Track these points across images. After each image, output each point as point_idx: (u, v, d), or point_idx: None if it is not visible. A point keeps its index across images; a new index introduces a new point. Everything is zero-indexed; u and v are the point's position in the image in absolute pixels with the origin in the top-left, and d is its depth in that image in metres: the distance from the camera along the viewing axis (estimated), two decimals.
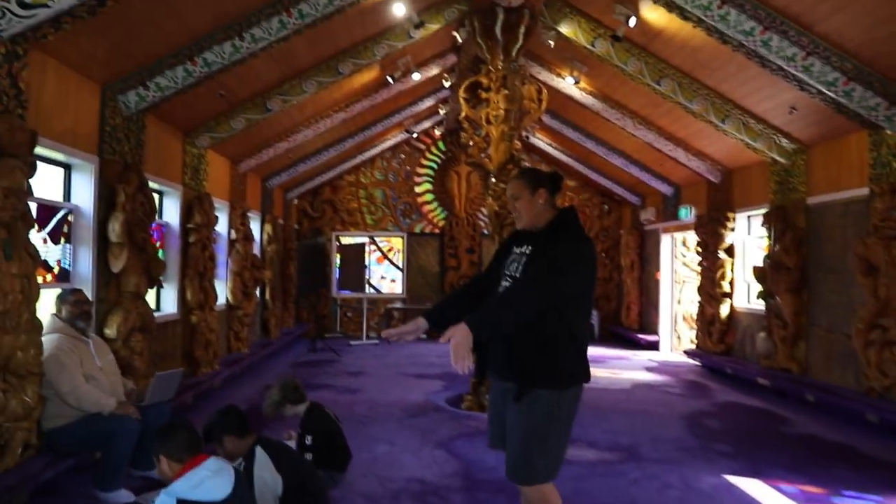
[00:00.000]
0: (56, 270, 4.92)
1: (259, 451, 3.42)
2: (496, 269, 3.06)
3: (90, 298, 5.08)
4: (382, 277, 13.47)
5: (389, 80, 8.22)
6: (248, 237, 9.32)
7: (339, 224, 13.46)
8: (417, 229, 13.51)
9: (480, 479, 4.70)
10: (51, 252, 4.85)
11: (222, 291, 8.77)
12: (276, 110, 7.28)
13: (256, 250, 10.50)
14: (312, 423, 4.42)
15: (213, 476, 2.65)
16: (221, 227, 8.81)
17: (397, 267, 13.56)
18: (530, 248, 2.87)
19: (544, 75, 8.87)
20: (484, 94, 7.14)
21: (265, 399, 4.51)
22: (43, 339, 4.17)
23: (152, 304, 6.84)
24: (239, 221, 9.03)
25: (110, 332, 5.18)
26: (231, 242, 8.94)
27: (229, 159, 8.71)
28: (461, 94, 7.26)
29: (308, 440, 4.34)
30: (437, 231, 13.62)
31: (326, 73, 7.16)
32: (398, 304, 13.18)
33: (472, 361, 2.58)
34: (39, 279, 4.66)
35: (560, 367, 2.77)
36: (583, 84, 8.66)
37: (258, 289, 10.23)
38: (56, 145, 4.62)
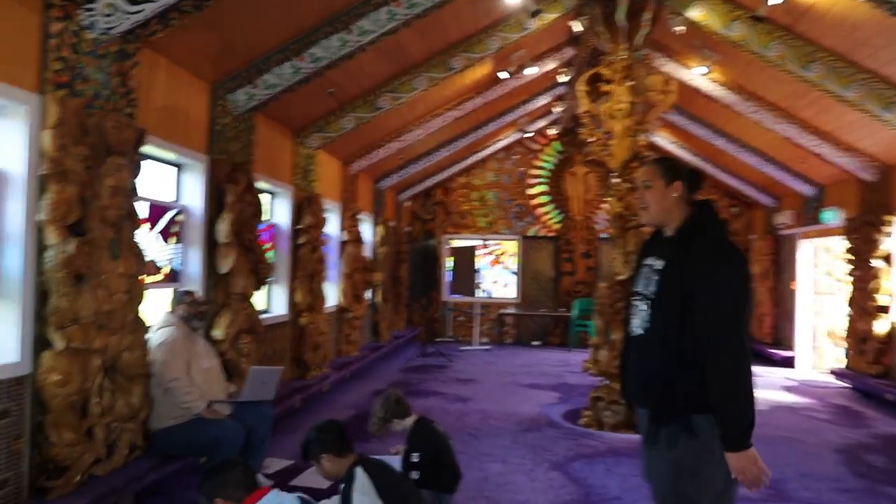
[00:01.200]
0: (166, 271, 4.89)
1: (359, 472, 3.10)
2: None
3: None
4: (495, 282, 13.04)
5: (503, 75, 7.81)
6: (359, 239, 9.23)
7: (450, 227, 13.21)
8: (531, 232, 13.00)
9: None
10: (161, 252, 4.83)
11: (333, 294, 8.71)
12: (386, 108, 7.06)
13: (368, 252, 10.44)
14: (419, 440, 4.08)
15: None
16: (332, 228, 8.76)
17: (511, 271, 13.11)
18: (662, 262, 2.46)
19: (669, 67, 8.13)
20: (605, 87, 6.57)
21: (370, 417, 4.22)
22: (156, 332, 4.15)
23: (262, 306, 6.82)
24: (350, 223, 8.95)
25: (218, 333, 5.11)
26: (342, 244, 8.87)
27: (340, 160, 8.64)
28: (580, 86, 6.72)
29: (414, 458, 4.00)
30: (551, 234, 13.05)
31: (437, 69, 6.87)
32: (511, 310, 12.73)
33: (768, 478, 2.23)
34: (149, 279, 4.67)
35: (701, 393, 2.30)
36: (714, 74, 7.85)
37: (369, 291, 10.15)
38: (165, 144, 4.58)
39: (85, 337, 3.48)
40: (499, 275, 13.06)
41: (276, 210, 6.99)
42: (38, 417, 3.35)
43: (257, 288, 5.72)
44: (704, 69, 7.57)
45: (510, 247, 13.14)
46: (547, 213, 13.03)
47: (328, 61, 5.32)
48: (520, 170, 13.06)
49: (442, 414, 6.78)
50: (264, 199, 6.73)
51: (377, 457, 4.66)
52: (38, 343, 3.35)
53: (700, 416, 2.28)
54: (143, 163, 4.07)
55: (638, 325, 2.51)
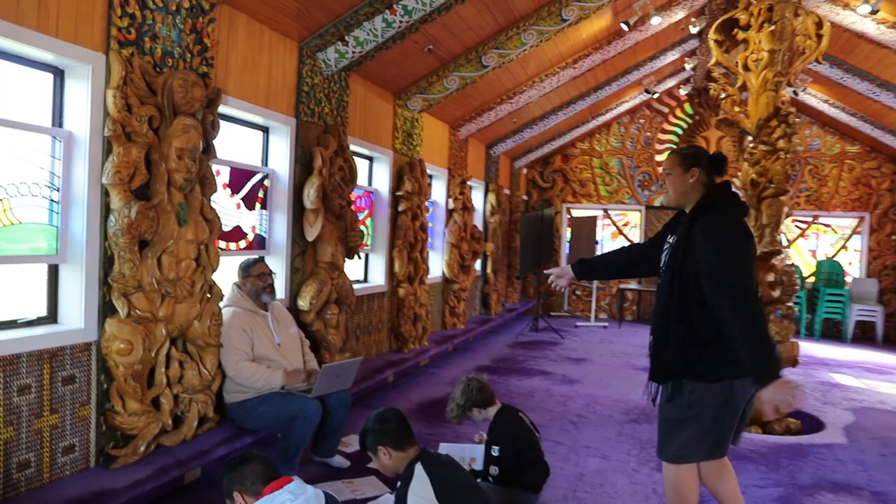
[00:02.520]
0: (251, 237, 4.76)
1: (419, 469, 2.76)
2: (649, 247, 3.14)
3: (285, 267, 4.92)
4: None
5: (624, 27, 7.03)
6: (468, 207, 8.85)
7: (570, 195, 12.50)
8: (657, 202, 12.01)
9: None
10: (245, 218, 4.69)
11: (437, 264, 8.43)
12: (492, 67, 6.55)
13: (478, 221, 10.06)
14: (501, 432, 3.67)
15: (295, 501, 2.16)
16: (438, 196, 8.45)
17: (633, 243, 12.26)
18: (675, 237, 2.84)
19: (822, 7, 6.95)
20: (741, 35, 5.68)
21: (449, 403, 3.87)
22: (222, 309, 3.99)
23: (359, 276, 6.65)
24: (458, 190, 8.59)
25: (303, 303, 4.94)
26: (449, 212, 8.53)
27: (447, 124, 8.26)
28: (712, 35, 5.86)
29: (494, 452, 3.61)
30: None
31: (548, 21, 6.24)
32: (632, 285, 11.91)
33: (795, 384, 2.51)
34: (233, 246, 4.55)
35: (706, 361, 2.70)
36: (883, 13, 6.61)
37: (478, 262, 9.79)
38: (247, 105, 4.39)
39: (149, 304, 3.37)
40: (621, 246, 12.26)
41: (375, 176, 6.75)
42: (103, 385, 3.29)
43: (349, 256, 5.50)
44: (869, 7, 6.38)
45: (633, 217, 12.28)
46: None
47: (422, 13, 4.90)
48: (646, 134, 12.04)
49: (544, 397, 6.33)
50: (361, 164, 6.52)
51: (451, 446, 4.37)
52: (103, 309, 3.27)
53: (691, 381, 2.70)
54: (219, 124, 3.90)
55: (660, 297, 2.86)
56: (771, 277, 5.43)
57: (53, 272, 3.26)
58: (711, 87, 6.13)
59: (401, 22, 4.93)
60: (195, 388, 3.72)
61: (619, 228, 12.35)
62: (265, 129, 4.90)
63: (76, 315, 3.21)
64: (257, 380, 3.87)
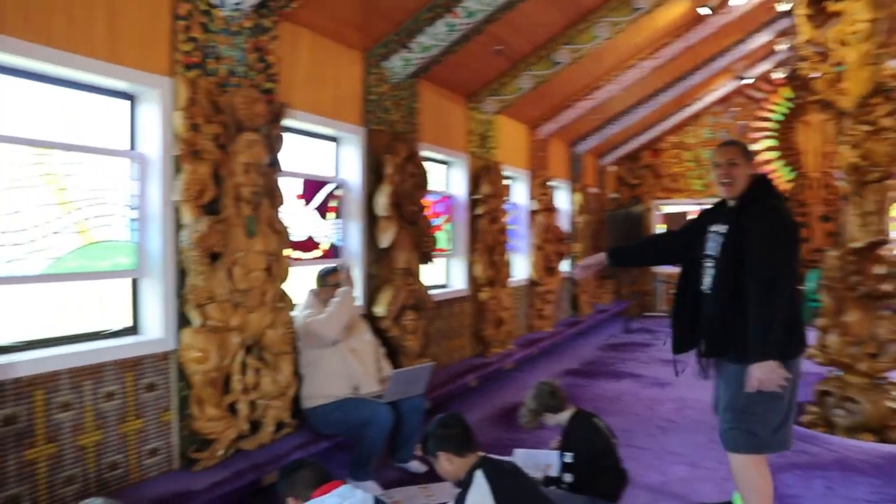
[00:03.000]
0: (325, 246, 4.88)
1: (479, 476, 2.70)
2: (686, 235, 3.32)
3: (360, 274, 5.00)
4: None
5: (703, 11, 6.69)
6: (551, 208, 8.70)
7: (661, 191, 12.03)
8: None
9: None
10: (319, 227, 4.82)
11: (522, 266, 8.34)
12: (565, 63, 6.42)
13: (564, 221, 9.87)
14: (575, 438, 3.56)
15: (343, 503, 2.17)
16: (520, 197, 8.35)
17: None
18: (726, 227, 2.99)
19: None
20: (833, 7, 5.26)
21: (521, 408, 3.79)
22: (299, 314, 4.10)
23: (440, 280, 6.67)
24: (540, 191, 8.46)
25: (379, 309, 5.00)
26: (531, 214, 8.42)
27: (525, 124, 8.16)
28: (800, 9, 5.46)
29: (567, 458, 3.50)
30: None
31: (619, 11, 6.04)
32: None
33: (784, 374, 2.79)
34: (307, 255, 4.68)
35: (785, 339, 2.84)
36: None
37: (566, 263, 9.59)
38: (314, 118, 4.51)
39: (222, 315, 3.51)
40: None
41: (452, 180, 6.75)
42: (183, 392, 3.46)
43: (424, 262, 5.53)
44: None
45: None
46: (775, 170, 11.23)
47: (485, 14, 4.86)
48: (740, 123, 11.38)
49: (633, 400, 6.09)
50: (437, 169, 6.55)
51: (526, 452, 4.26)
52: (180, 320, 3.44)
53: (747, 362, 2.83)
54: (283, 138, 4.03)
55: (707, 283, 3.07)
56: (881, 270, 4.96)
57: (135, 286, 3.46)
58: (801, 66, 5.71)
59: (464, 24, 4.91)
60: (271, 394, 3.85)
61: None
62: (335, 140, 5.02)
63: (156, 326, 3.40)
64: (324, 321, 3.93)
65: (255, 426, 3.81)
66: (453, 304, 6.50)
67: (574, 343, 9.17)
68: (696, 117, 11.56)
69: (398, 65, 5.16)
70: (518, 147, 8.05)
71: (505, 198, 7.19)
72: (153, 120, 3.39)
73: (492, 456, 3.03)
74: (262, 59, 3.92)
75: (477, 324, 6.83)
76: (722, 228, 3.02)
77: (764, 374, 2.76)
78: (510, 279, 7.44)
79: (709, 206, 3.33)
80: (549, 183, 8.70)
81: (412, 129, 5.56)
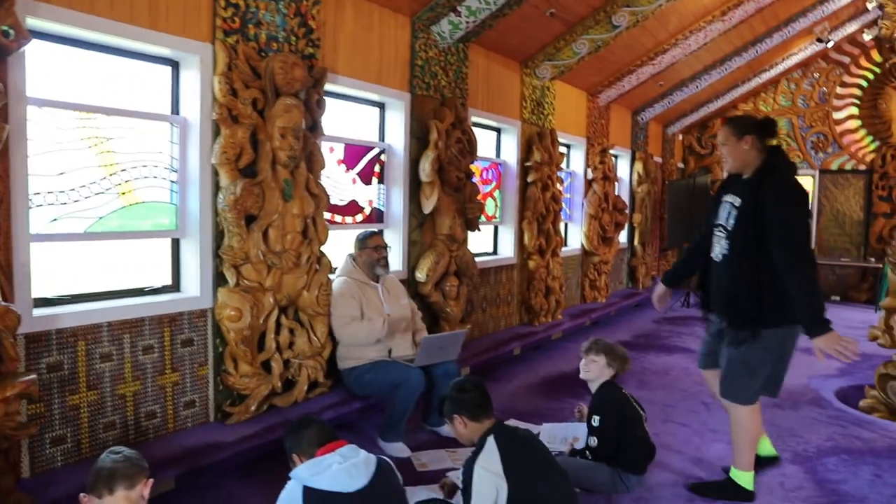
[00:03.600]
0: (368, 211, 4.93)
1: (490, 441, 2.72)
2: (706, 224, 3.45)
3: (402, 239, 5.04)
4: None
5: None
6: (609, 177, 8.47)
7: None
8: (834, 166, 10.67)
9: None
10: (362, 192, 4.87)
11: (576, 236, 8.20)
12: (625, 26, 6.15)
13: (625, 191, 9.61)
14: (602, 402, 3.56)
15: (344, 463, 2.21)
16: (577, 166, 8.17)
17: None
18: (739, 199, 3.16)
19: None
20: None
21: (592, 338, 3.82)
22: (335, 280, 4.18)
23: (489, 248, 6.65)
24: (598, 159, 8.24)
25: (420, 274, 5.04)
26: (588, 182, 8.23)
27: (584, 90, 7.92)
28: None
29: (594, 421, 3.51)
30: (862, 167, 10.54)
31: None
32: None
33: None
34: (349, 219, 4.75)
35: (777, 307, 3.08)
36: None
37: (623, 234, 9.37)
38: (357, 83, 4.52)
39: (257, 275, 3.62)
40: None
41: (504, 147, 6.66)
42: (219, 348, 3.61)
43: (469, 229, 5.52)
44: None
45: (806, 183, 11.03)
46: (858, 140, 10.52)
47: None
48: (822, 90, 10.67)
49: (680, 375, 5.97)
50: (488, 135, 6.47)
51: (554, 426, 4.24)
52: (217, 279, 3.57)
53: (761, 328, 3.12)
54: (325, 103, 4.06)
55: (718, 252, 3.28)
56: None
57: (176, 245, 3.61)
58: (883, 25, 5.30)
59: None
60: (305, 353, 3.96)
61: None
62: (381, 105, 5.02)
63: (194, 284, 3.55)
64: (360, 334, 4.01)
65: (290, 384, 3.94)
66: (501, 271, 6.48)
67: (630, 315, 9.00)
68: (772, 83, 10.91)
69: (446, 29, 5.09)
70: (576, 114, 7.84)
71: (559, 165, 7.04)
72: (193, 85, 3.48)
73: (507, 423, 3.04)
74: (303, 24, 3.94)
75: (525, 292, 6.79)
76: (735, 200, 3.19)
77: (829, 346, 2.88)
78: (562, 248, 7.33)
79: (720, 184, 3.50)
80: (607, 151, 8.45)
81: (461, 95, 5.50)
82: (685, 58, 7.85)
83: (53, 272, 3.17)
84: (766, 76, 10.17)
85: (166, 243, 3.60)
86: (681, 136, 11.79)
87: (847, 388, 5.63)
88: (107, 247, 3.44)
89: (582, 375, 3.73)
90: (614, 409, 3.51)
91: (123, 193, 3.32)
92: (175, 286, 3.60)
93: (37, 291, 2.93)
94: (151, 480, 2.12)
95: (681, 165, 11.89)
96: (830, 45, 9.40)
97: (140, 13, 3.17)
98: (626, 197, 9.54)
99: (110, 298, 3.28)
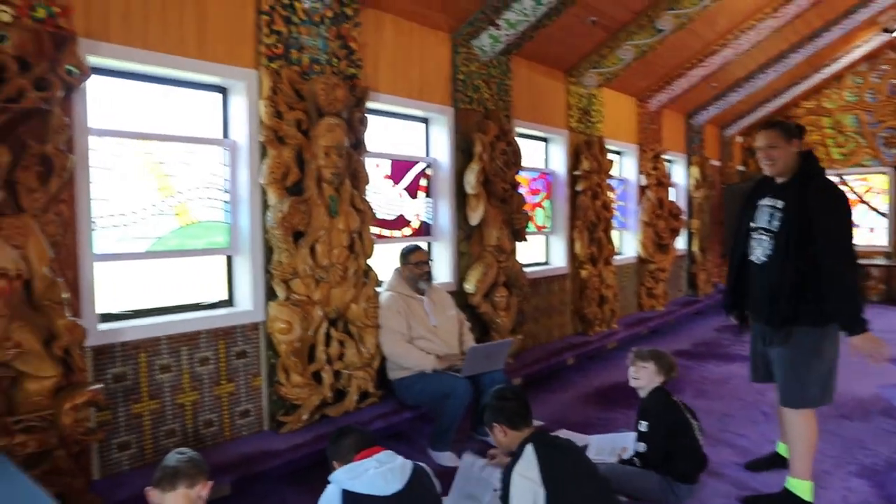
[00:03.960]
0: (415, 224, 5.03)
1: (528, 449, 2.74)
2: (738, 228, 3.49)
3: (450, 251, 5.13)
4: (857, 226, 10.62)
5: None
6: (663, 182, 8.34)
7: None
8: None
9: None
10: (409, 206, 4.98)
11: (630, 244, 8.10)
12: (670, 30, 6.10)
13: (680, 197, 9.43)
14: (651, 407, 3.52)
15: (381, 468, 2.29)
16: (630, 173, 8.09)
17: (878, 212, 10.55)
18: (782, 202, 3.20)
19: None
20: None
21: (642, 346, 3.80)
22: (382, 293, 4.28)
23: (540, 258, 6.66)
24: (651, 165, 8.13)
25: (469, 286, 5.10)
26: (641, 189, 8.13)
27: (633, 96, 7.85)
28: None
29: (642, 427, 3.48)
30: None
31: None
32: (879, 261, 10.26)
33: (887, 349, 3.05)
34: (397, 233, 4.86)
35: (805, 307, 3.14)
36: None
37: (681, 240, 9.18)
38: (400, 100, 4.65)
39: (305, 289, 3.77)
40: (862, 217, 10.64)
41: (552, 156, 6.67)
42: (271, 360, 3.76)
43: (517, 239, 5.55)
44: None
45: (878, 182, 10.55)
46: None
47: None
48: (891, 82, 10.19)
49: (740, 384, 5.79)
50: (535, 146, 6.50)
51: (602, 437, 4.19)
52: (268, 294, 3.74)
53: (795, 326, 3.17)
54: (367, 121, 4.19)
55: (760, 254, 3.30)
56: None
57: (229, 262, 3.80)
58: None
59: None
60: (355, 364, 4.08)
61: (858, 196, 10.69)
62: (425, 121, 5.13)
63: (246, 299, 3.72)
64: (410, 360, 4.10)
65: (341, 394, 4.06)
66: (553, 281, 6.47)
67: (690, 323, 8.78)
68: (836, 79, 10.51)
69: (487, 43, 5.18)
70: (625, 120, 7.77)
71: (609, 173, 6.99)
72: (241, 110, 3.67)
73: (554, 433, 3.05)
74: (345, 46, 4.10)
75: (578, 302, 6.75)
76: (776, 203, 3.24)
77: (867, 346, 3.01)
78: (615, 256, 7.26)
79: (750, 190, 3.53)
80: (660, 156, 8.32)
81: (504, 107, 5.56)
82: (737, 58, 7.68)
83: (117, 289, 3.39)
84: (827, 71, 9.81)
85: (221, 260, 3.80)
86: (740, 138, 11.48)
87: None
88: (165, 265, 3.64)
89: (631, 383, 3.69)
90: (663, 415, 3.47)
91: (179, 214, 3.53)
92: (229, 301, 3.78)
93: (102, 307, 3.15)
94: (211, 483, 2.24)
95: (741, 168, 11.57)
96: None
97: (189, 44, 3.38)
98: (682, 203, 9.36)
99: (169, 313, 3.49)
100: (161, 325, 3.32)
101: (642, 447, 3.45)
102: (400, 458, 2.40)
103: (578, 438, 4.33)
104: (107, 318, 3.22)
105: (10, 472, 2.19)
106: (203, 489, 2.20)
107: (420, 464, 2.48)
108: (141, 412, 3.24)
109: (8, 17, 2.60)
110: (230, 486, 3.18)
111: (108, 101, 3.30)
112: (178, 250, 3.54)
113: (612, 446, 4.03)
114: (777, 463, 3.77)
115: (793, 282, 3.12)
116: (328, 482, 2.35)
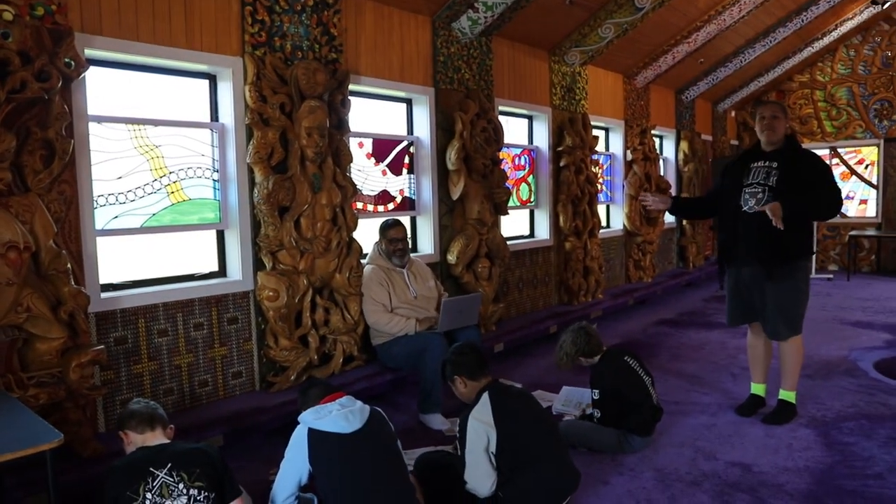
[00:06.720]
0: (399, 199, 5.33)
1: (484, 397, 3.06)
2: (727, 187, 4.08)
3: (433, 224, 5.42)
4: (849, 197, 10.81)
5: None
6: (650, 157, 8.56)
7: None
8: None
9: (841, 488, 3.27)
10: (391, 183, 5.27)
11: (618, 217, 8.35)
12: (648, 8, 6.28)
13: (670, 171, 9.64)
14: (598, 377, 3.82)
15: (343, 410, 2.61)
16: (616, 148, 8.31)
17: (869, 184, 10.71)
18: (776, 162, 3.87)
19: None
20: None
21: (557, 350, 4.05)
22: (364, 265, 4.58)
23: (525, 231, 6.94)
24: (637, 140, 8.35)
25: (451, 257, 5.41)
26: (627, 164, 8.36)
27: (619, 73, 8.05)
28: None
29: (594, 395, 3.78)
30: None
31: None
32: (869, 231, 10.45)
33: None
34: (381, 208, 5.16)
35: (810, 243, 4.04)
36: None
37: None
38: (381, 82, 4.91)
39: (291, 259, 4.08)
40: (853, 189, 10.81)
41: (536, 133, 6.92)
42: (261, 326, 4.09)
43: (499, 213, 5.83)
44: None
45: (869, 154, 10.70)
46: None
47: None
48: (885, 54, 10.27)
49: (715, 349, 6.09)
50: (519, 123, 6.75)
51: (573, 389, 4.49)
52: (256, 264, 4.06)
53: (800, 260, 3.96)
54: (350, 102, 4.46)
55: (755, 203, 3.85)
56: None
57: (220, 236, 4.12)
58: None
59: None
60: (340, 330, 4.40)
61: (850, 168, 10.84)
62: (408, 101, 5.40)
63: (236, 269, 4.05)
64: (392, 326, 4.40)
65: (327, 358, 4.39)
66: (537, 253, 6.75)
67: (680, 294, 9.05)
68: (828, 51, 10.61)
69: (466, 25, 5.41)
70: (612, 97, 7.98)
71: (592, 149, 7.23)
72: (228, 95, 3.96)
73: (502, 381, 3.36)
74: (326, 33, 4.37)
75: (562, 273, 7.04)
76: (771, 164, 3.86)
77: (773, 208, 3.66)
78: (601, 229, 7.52)
79: (737, 157, 4.22)
80: (647, 132, 8.53)
81: (486, 87, 5.81)
82: (723, 33, 7.84)
83: (117, 262, 3.71)
84: (819, 45, 9.92)
85: (212, 234, 4.12)
86: (733, 113, 11.63)
87: (886, 360, 5.59)
88: (161, 239, 3.96)
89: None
90: (611, 382, 3.73)
91: (172, 192, 3.84)
92: (222, 272, 4.11)
93: (104, 278, 3.48)
94: (174, 427, 2.59)
95: (735, 142, 11.73)
96: (886, 6, 9.07)
97: (178, 36, 3.67)
98: (671, 177, 9.58)
99: (165, 283, 3.82)
100: (158, 294, 3.66)
101: (597, 413, 3.74)
102: (359, 402, 2.72)
103: (549, 397, 4.66)
104: (108, 287, 3.56)
105: (19, 408, 2.55)
106: (171, 433, 2.54)
107: (376, 408, 2.79)
108: (141, 372, 3.59)
109: (10, 16, 2.90)
110: (223, 437, 3.52)
111: (104, 90, 3.60)
112: (172, 225, 3.87)
113: (577, 399, 4.34)
114: (759, 404, 4.34)
115: (790, 224, 3.67)
116: (297, 423, 2.67)
